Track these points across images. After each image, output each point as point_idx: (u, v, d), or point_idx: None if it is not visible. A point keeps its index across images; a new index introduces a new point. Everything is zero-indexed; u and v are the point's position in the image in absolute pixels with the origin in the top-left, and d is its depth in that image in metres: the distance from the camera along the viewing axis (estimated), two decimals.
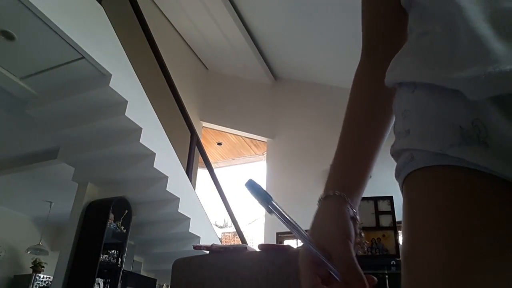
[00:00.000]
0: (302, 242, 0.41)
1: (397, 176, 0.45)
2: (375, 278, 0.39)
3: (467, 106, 0.35)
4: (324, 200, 0.47)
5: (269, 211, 0.37)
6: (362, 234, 0.47)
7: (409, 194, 0.41)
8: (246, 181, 0.33)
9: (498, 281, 0.30)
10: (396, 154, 0.45)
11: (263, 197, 0.37)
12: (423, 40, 0.42)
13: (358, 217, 0.46)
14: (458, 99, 0.35)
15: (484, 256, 0.31)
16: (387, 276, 2.46)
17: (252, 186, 0.38)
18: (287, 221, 0.39)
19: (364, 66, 0.59)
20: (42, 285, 5.46)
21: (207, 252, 2.47)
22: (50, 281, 4.62)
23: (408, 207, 0.40)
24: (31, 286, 5.36)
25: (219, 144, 7.57)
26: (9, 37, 2.71)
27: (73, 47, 2.78)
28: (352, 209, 0.46)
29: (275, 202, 0.39)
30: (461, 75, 0.34)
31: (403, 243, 0.40)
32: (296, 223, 0.39)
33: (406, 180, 0.42)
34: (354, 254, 0.40)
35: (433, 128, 0.38)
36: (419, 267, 0.35)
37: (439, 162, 0.37)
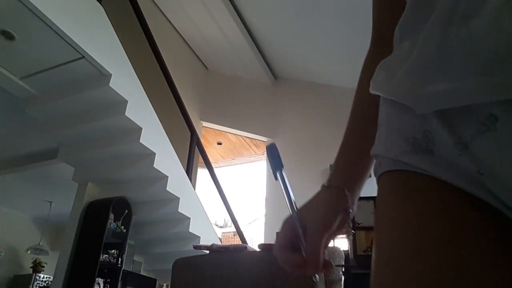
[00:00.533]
0: (291, 213, 0.49)
1: (375, 175, 0.50)
2: (333, 263, 0.49)
3: (420, 118, 0.39)
4: (322, 188, 0.53)
5: (275, 177, 0.44)
6: (351, 224, 0.52)
7: (378, 193, 0.46)
8: (269, 143, 0.43)
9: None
10: (373, 157, 0.51)
11: (277, 162, 0.45)
12: (396, 53, 0.46)
13: (354, 208, 0.52)
14: (412, 113, 0.39)
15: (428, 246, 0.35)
16: None
17: (272, 150, 0.44)
18: (287, 193, 0.47)
19: (371, 57, 0.61)
20: (42, 285, 5.47)
21: (207, 252, 2.47)
22: (50, 281, 4.63)
23: (378, 204, 0.46)
24: (31, 286, 5.36)
25: (219, 144, 7.57)
26: (9, 37, 2.71)
27: (73, 46, 2.78)
28: (347, 201, 0.51)
29: (285, 173, 0.46)
30: (411, 91, 0.39)
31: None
32: (293, 198, 0.48)
33: (378, 181, 0.47)
34: (323, 242, 0.47)
35: (393, 138, 0.44)
36: (379, 263, 0.40)
37: (395, 167, 0.43)
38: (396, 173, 0.43)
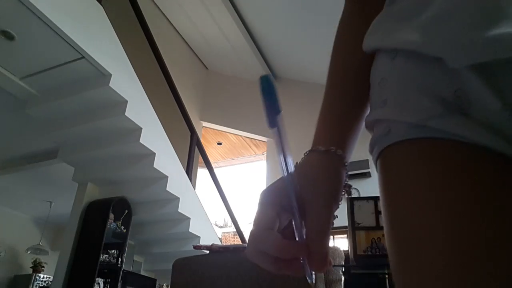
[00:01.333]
0: (285, 175, 0.33)
1: (371, 150, 0.41)
2: (331, 261, 0.35)
3: (450, 74, 0.33)
4: (317, 152, 0.41)
5: (272, 124, 0.27)
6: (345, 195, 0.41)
7: (386, 171, 0.37)
8: (263, 75, 0.26)
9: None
10: (370, 125, 0.42)
11: (273, 103, 0.26)
12: (406, 3, 0.39)
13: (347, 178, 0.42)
14: (441, 67, 0.33)
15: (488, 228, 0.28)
16: (387, 276, 2.45)
17: (267, 84, 0.26)
18: (281, 149, 0.30)
19: (351, 14, 0.52)
20: (42, 285, 5.47)
21: (207, 252, 2.47)
22: (50, 281, 4.62)
23: (388, 186, 0.36)
24: (31, 286, 5.36)
25: (219, 144, 7.57)
26: (9, 37, 2.71)
27: (73, 47, 2.78)
28: (347, 171, 0.41)
29: (281, 121, 0.28)
30: (443, 40, 0.33)
31: (386, 229, 0.36)
32: (290, 158, 0.32)
33: (382, 155, 0.38)
34: (331, 224, 0.36)
35: (412, 98, 0.36)
36: (415, 257, 0.31)
37: (419, 134, 0.34)
38: (425, 142, 0.34)
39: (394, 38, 0.39)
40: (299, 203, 0.34)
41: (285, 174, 0.32)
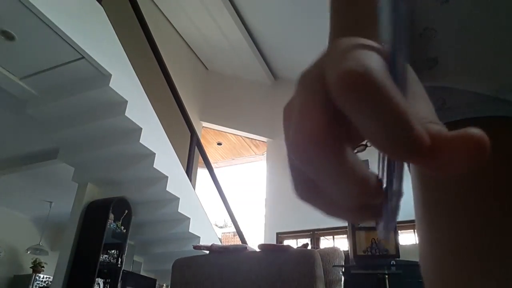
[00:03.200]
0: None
1: None
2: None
3: None
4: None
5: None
6: None
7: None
8: None
9: None
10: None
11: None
12: None
13: None
14: None
15: None
16: (387, 276, 2.46)
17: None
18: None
19: None
20: (42, 285, 5.47)
21: (207, 252, 2.48)
22: (50, 281, 4.62)
23: (446, 182, 0.25)
24: (31, 286, 5.36)
25: (219, 144, 7.57)
26: (9, 37, 2.71)
27: (73, 47, 2.78)
28: None
29: None
30: None
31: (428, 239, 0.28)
32: None
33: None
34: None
35: (482, 57, 0.24)
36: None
37: (495, 112, 0.23)
38: (507, 125, 0.23)
39: None
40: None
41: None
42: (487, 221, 0.23)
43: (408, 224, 3.84)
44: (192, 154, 4.46)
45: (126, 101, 3.18)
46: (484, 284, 0.23)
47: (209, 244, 2.53)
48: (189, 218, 4.04)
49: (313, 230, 5.71)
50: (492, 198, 0.23)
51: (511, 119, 0.23)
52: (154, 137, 3.57)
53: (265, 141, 6.75)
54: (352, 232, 2.56)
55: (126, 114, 3.17)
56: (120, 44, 3.28)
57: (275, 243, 5.26)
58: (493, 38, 0.24)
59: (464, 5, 0.25)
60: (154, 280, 4.47)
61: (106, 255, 3.56)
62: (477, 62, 0.24)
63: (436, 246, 0.26)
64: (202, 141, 5.80)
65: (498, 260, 0.22)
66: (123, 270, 3.69)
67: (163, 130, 3.79)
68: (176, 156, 3.99)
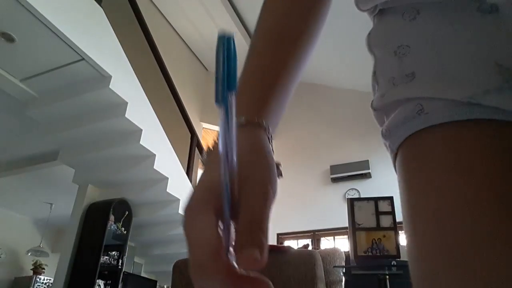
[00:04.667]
0: (222, 166, 0.23)
1: (387, 135, 0.32)
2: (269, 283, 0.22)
3: (507, 33, 0.24)
4: (251, 125, 0.30)
5: (221, 98, 0.19)
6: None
7: (420, 163, 0.28)
8: (226, 34, 0.17)
9: None
10: (385, 108, 0.32)
11: (231, 75, 0.18)
12: None
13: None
14: (492, 22, 0.24)
15: None
16: (388, 277, 2.46)
17: (226, 47, 0.18)
18: (226, 130, 0.22)
19: None
20: (42, 287, 5.46)
21: None
22: (51, 283, 4.62)
23: (423, 180, 0.27)
24: None
25: None
26: (9, 39, 2.72)
27: (73, 48, 2.79)
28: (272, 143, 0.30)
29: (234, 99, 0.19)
30: None
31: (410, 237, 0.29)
32: (234, 140, 0.22)
33: (410, 142, 0.29)
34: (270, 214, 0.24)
35: (456, 68, 0.26)
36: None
37: (469, 115, 0.25)
38: (478, 126, 0.25)
39: None
40: (232, 193, 0.23)
41: (224, 169, 0.23)
42: (471, 224, 0.25)
43: None
44: (193, 155, 4.46)
45: (126, 103, 3.18)
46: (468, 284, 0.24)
47: None
48: None
49: (314, 231, 5.71)
50: (477, 199, 0.25)
51: (489, 120, 0.25)
52: (155, 139, 3.57)
53: None
54: (353, 233, 2.56)
55: (126, 115, 3.17)
56: (120, 46, 3.29)
57: (275, 244, 5.25)
58: (461, 50, 0.26)
59: (431, 21, 0.28)
60: (155, 282, 4.47)
61: (106, 257, 3.56)
62: (449, 73, 0.27)
63: (421, 249, 0.28)
64: (202, 142, 5.80)
65: (485, 261, 0.24)
66: (124, 271, 3.69)
67: (163, 131, 3.79)
68: (177, 157, 3.99)
